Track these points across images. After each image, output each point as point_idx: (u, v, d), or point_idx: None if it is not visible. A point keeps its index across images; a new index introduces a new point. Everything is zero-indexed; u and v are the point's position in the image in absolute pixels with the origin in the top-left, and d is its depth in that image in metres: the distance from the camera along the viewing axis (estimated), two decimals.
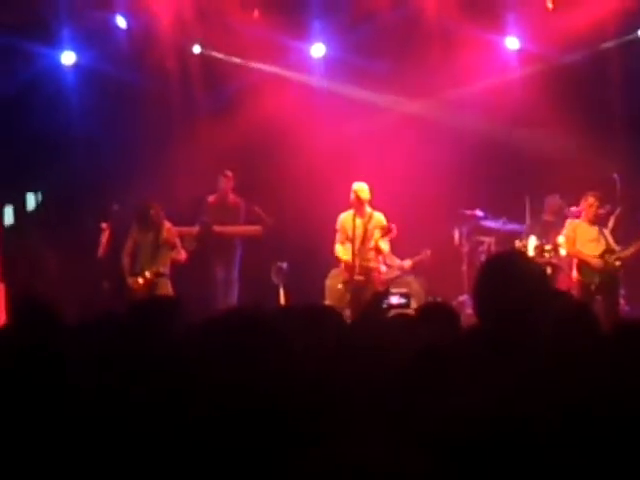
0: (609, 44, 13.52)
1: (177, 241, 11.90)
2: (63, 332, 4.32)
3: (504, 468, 2.54)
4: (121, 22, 13.55)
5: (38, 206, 13.94)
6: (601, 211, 11.67)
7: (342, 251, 11.45)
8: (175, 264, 11.83)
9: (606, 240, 11.59)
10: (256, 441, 2.85)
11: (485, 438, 2.57)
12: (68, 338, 4.05)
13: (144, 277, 11.68)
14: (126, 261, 11.83)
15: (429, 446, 2.48)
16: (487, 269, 3.51)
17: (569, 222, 11.81)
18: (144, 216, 11.82)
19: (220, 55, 13.91)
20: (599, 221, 11.69)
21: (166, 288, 11.70)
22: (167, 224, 11.90)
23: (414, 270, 12.25)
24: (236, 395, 3.00)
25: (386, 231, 11.34)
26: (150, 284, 11.64)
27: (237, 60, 13.81)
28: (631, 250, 11.52)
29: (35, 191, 13.89)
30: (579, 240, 11.66)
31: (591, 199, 11.59)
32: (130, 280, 11.70)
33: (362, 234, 11.34)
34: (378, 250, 11.33)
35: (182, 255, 11.87)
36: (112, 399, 3.16)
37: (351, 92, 13.58)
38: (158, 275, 11.68)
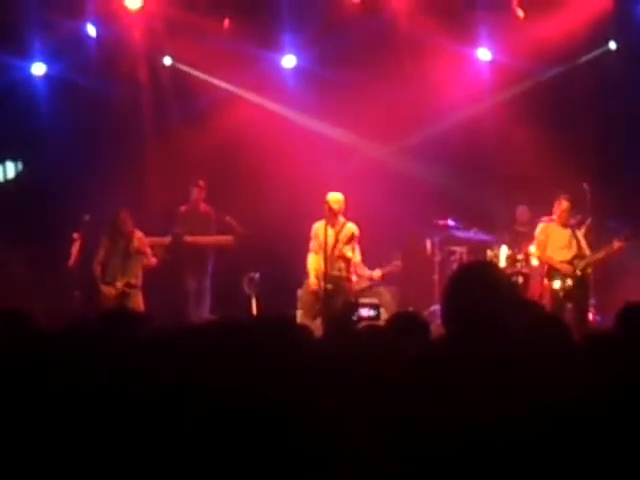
0: (581, 56, 13.62)
1: (148, 250, 11.88)
2: (36, 339, 4.30)
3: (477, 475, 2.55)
4: (91, 31, 13.52)
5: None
6: (573, 221, 11.67)
7: (312, 260, 11.45)
8: (146, 271, 11.82)
9: (578, 244, 11.53)
10: (230, 452, 2.85)
11: (456, 449, 2.58)
12: (41, 345, 4.03)
13: (115, 287, 11.66)
14: (98, 270, 11.80)
15: (408, 458, 2.50)
16: (456, 279, 3.52)
17: (541, 225, 11.72)
18: (114, 225, 11.80)
19: (190, 70, 13.88)
20: (572, 224, 11.62)
21: (137, 300, 11.67)
22: (138, 233, 11.89)
23: (384, 280, 12.24)
24: (211, 403, 3.01)
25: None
26: (121, 294, 11.63)
27: (206, 77, 13.78)
28: (600, 255, 11.52)
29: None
30: (550, 245, 11.60)
31: (565, 203, 11.52)
32: (103, 289, 11.68)
33: (333, 244, 11.33)
34: (345, 259, 11.32)
35: (152, 261, 11.87)
36: (86, 405, 3.15)
37: (323, 103, 13.57)
38: (129, 286, 11.66)
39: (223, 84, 13.84)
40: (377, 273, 11.88)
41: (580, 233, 11.63)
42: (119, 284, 11.64)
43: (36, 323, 4.63)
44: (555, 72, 13.64)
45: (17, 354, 3.62)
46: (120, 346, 3.81)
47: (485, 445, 2.58)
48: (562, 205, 11.55)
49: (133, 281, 11.71)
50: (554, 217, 11.65)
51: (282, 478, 2.76)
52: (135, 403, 3.07)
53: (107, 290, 11.68)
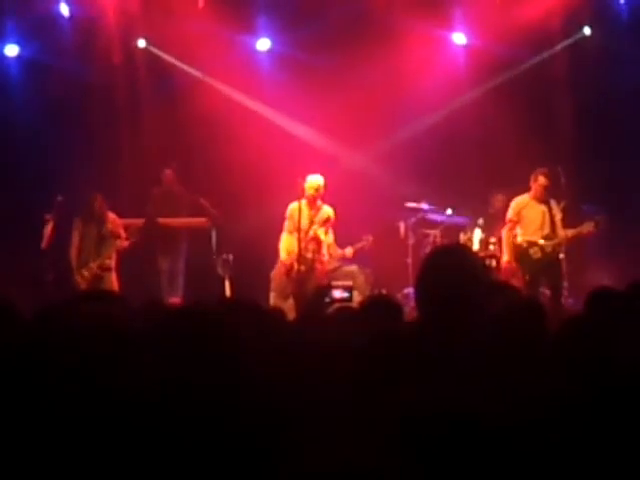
0: (556, 42, 13.67)
1: (121, 232, 11.87)
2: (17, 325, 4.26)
3: (452, 466, 2.55)
4: (64, 10, 13.43)
5: None
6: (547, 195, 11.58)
7: (284, 240, 11.45)
8: (119, 253, 11.82)
9: (552, 222, 11.49)
10: (203, 434, 2.85)
11: (427, 436, 2.58)
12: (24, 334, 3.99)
13: (89, 269, 11.64)
14: (73, 254, 11.79)
15: (376, 445, 2.49)
16: (429, 262, 3.53)
17: (515, 201, 11.63)
18: (87, 208, 11.78)
19: (163, 54, 13.82)
20: (547, 199, 11.53)
21: (111, 281, 11.66)
22: (111, 215, 11.88)
23: (356, 258, 12.24)
24: (179, 390, 3.00)
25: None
26: (94, 277, 11.61)
27: (180, 60, 13.71)
28: (569, 234, 11.50)
29: None
30: (523, 224, 11.52)
31: (541, 178, 11.39)
32: (77, 274, 11.67)
33: (307, 225, 11.35)
34: (318, 241, 11.34)
35: (125, 243, 11.85)
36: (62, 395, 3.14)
37: (298, 86, 13.53)
38: (103, 268, 11.64)
39: (197, 67, 13.76)
40: (349, 250, 11.90)
41: (556, 208, 11.55)
42: (93, 266, 11.64)
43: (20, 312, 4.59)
44: (531, 57, 13.66)
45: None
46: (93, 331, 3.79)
47: (456, 429, 2.58)
48: (539, 180, 11.42)
49: (107, 262, 11.70)
50: (531, 194, 11.57)
51: (259, 464, 2.76)
52: (104, 391, 3.07)
53: (79, 275, 11.66)
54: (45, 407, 3.02)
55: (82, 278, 11.67)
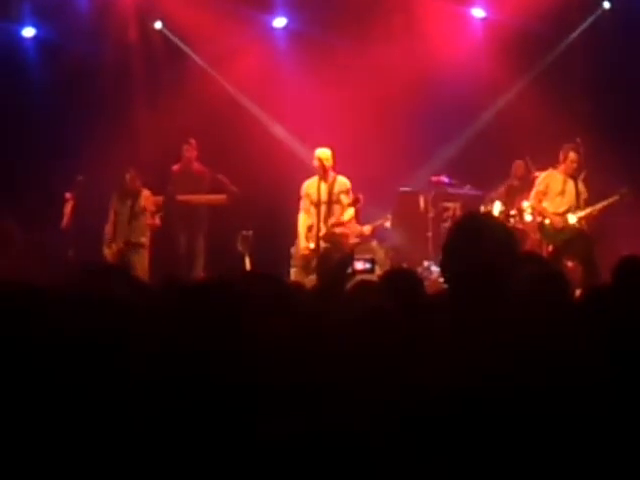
0: (575, 15, 13.56)
1: (152, 208, 12.00)
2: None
3: (474, 440, 2.52)
4: None
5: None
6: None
7: (302, 221, 11.43)
8: (152, 230, 11.99)
9: (577, 193, 11.47)
10: (222, 409, 2.83)
11: (453, 409, 2.55)
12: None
13: (117, 244, 11.79)
14: (107, 230, 11.98)
15: (396, 419, 2.46)
16: (457, 227, 3.47)
17: (543, 174, 11.68)
18: (120, 183, 11.95)
19: (179, 38, 13.80)
20: (575, 175, 11.54)
21: (140, 258, 11.82)
22: (145, 192, 12.00)
23: (375, 235, 12.19)
24: (197, 362, 2.98)
25: (353, 202, 11.33)
26: (120, 252, 11.69)
27: (197, 32, 13.67)
28: (597, 207, 11.48)
29: None
30: (550, 192, 11.56)
31: (572, 154, 11.42)
32: (106, 247, 11.88)
33: (327, 199, 11.32)
34: (342, 206, 11.35)
35: (156, 221, 12.00)
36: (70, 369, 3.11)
37: (314, 63, 13.46)
38: (130, 244, 11.70)
39: (214, 44, 13.71)
40: (367, 228, 11.84)
41: (582, 185, 11.54)
42: (118, 243, 11.76)
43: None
44: (550, 30, 13.54)
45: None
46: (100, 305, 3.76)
47: (484, 403, 2.55)
48: (570, 156, 11.44)
49: (134, 239, 11.81)
50: (559, 168, 11.56)
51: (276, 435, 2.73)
52: (118, 364, 3.05)
53: (109, 247, 11.85)
54: (51, 388, 3.00)
55: (110, 252, 11.81)
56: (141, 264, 11.70)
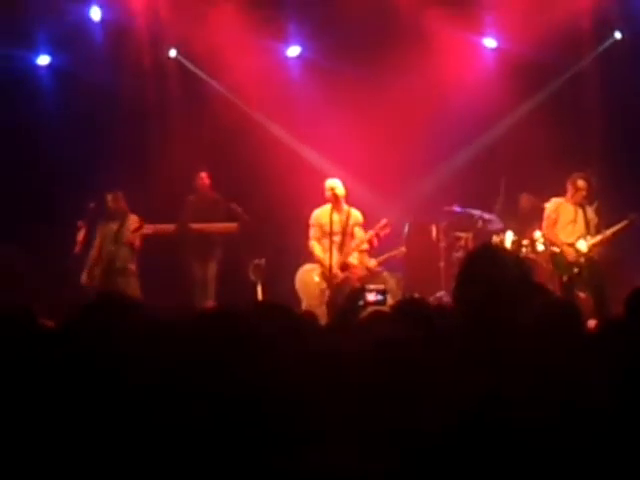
0: (587, 45, 13.59)
1: (137, 236, 11.88)
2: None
3: (485, 470, 2.51)
4: (95, 14, 13.50)
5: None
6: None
7: (317, 249, 11.44)
8: (137, 253, 11.92)
9: (586, 224, 11.47)
10: (231, 441, 2.83)
11: (466, 440, 2.55)
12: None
13: (95, 271, 11.76)
14: (91, 255, 11.92)
15: (398, 454, 2.46)
16: (469, 261, 3.47)
17: (553, 201, 11.69)
18: (104, 206, 11.90)
19: (194, 67, 13.87)
20: (583, 203, 11.56)
21: (131, 287, 11.68)
22: (133, 216, 11.94)
23: (384, 266, 12.19)
24: (210, 396, 2.98)
25: (371, 240, 11.44)
26: (104, 275, 11.66)
27: (207, 76, 13.75)
28: (607, 234, 11.47)
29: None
30: (560, 221, 11.56)
31: (581, 182, 11.46)
32: (87, 273, 11.79)
33: (341, 230, 11.34)
34: (369, 244, 11.39)
35: (137, 241, 11.88)
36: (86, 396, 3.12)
37: (327, 92, 13.51)
38: (114, 270, 11.67)
39: (228, 72, 13.78)
40: (372, 263, 11.84)
41: (591, 212, 11.55)
42: (97, 270, 11.71)
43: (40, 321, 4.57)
44: (562, 60, 13.58)
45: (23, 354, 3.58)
46: (114, 335, 3.76)
47: (490, 432, 2.55)
48: (578, 184, 11.47)
49: (119, 264, 11.74)
50: (567, 197, 11.58)
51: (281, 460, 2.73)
52: (131, 393, 3.05)
53: (85, 277, 11.77)
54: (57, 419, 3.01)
55: (89, 277, 11.74)
56: (130, 291, 11.48)
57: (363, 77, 13.49)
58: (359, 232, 11.44)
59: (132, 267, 11.82)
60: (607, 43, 13.66)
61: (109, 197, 11.93)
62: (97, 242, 11.95)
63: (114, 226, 11.88)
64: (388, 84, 13.33)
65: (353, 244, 11.43)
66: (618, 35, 13.60)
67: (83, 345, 3.31)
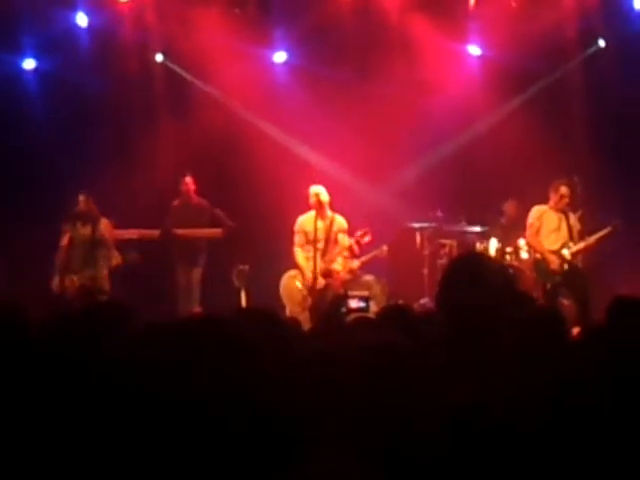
0: (571, 52, 13.63)
1: (112, 242, 11.68)
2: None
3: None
4: (82, 21, 13.50)
5: None
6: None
7: (301, 256, 11.46)
8: (112, 271, 11.62)
9: (569, 229, 11.48)
10: (215, 447, 2.83)
11: (453, 445, 2.56)
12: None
13: (72, 279, 11.45)
14: (58, 258, 11.57)
15: (384, 461, 2.47)
16: (453, 268, 3.49)
17: (536, 208, 11.69)
18: (73, 210, 11.61)
19: (181, 70, 13.87)
20: (565, 210, 11.58)
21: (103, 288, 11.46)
22: (104, 220, 11.69)
23: (371, 268, 12.20)
24: (194, 403, 2.99)
25: (357, 243, 11.43)
26: (82, 291, 11.37)
27: (198, 66, 13.74)
28: (590, 241, 11.48)
29: None
30: (543, 230, 11.59)
31: (563, 188, 11.48)
32: (66, 279, 11.44)
33: (325, 237, 11.35)
34: (350, 252, 11.38)
35: (117, 260, 11.62)
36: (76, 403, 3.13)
37: (314, 99, 13.53)
38: (91, 290, 11.29)
39: (213, 80, 13.78)
40: (355, 264, 11.84)
41: (574, 219, 11.57)
42: (75, 279, 11.44)
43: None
44: (546, 68, 13.63)
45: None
46: (108, 341, 3.78)
47: (476, 439, 2.56)
48: (561, 190, 11.50)
49: (98, 283, 11.42)
50: (550, 204, 11.59)
51: (269, 471, 2.74)
52: (117, 398, 3.06)
53: (70, 279, 11.45)
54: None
55: (71, 283, 11.41)
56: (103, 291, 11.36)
57: (348, 83, 13.52)
58: (343, 239, 11.46)
59: (101, 284, 11.54)
60: (591, 50, 13.69)
61: (81, 198, 11.60)
62: (65, 245, 11.57)
63: (87, 228, 11.57)
64: (373, 90, 13.37)
65: (335, 251, 11.45)
66: (602, 43, 13.64)
67: (70, 350, 3.32)
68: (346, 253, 11.55)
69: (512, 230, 12.47)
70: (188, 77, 13.92)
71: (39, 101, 13.79)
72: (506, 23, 13.26)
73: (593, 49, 13.68)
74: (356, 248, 11.51)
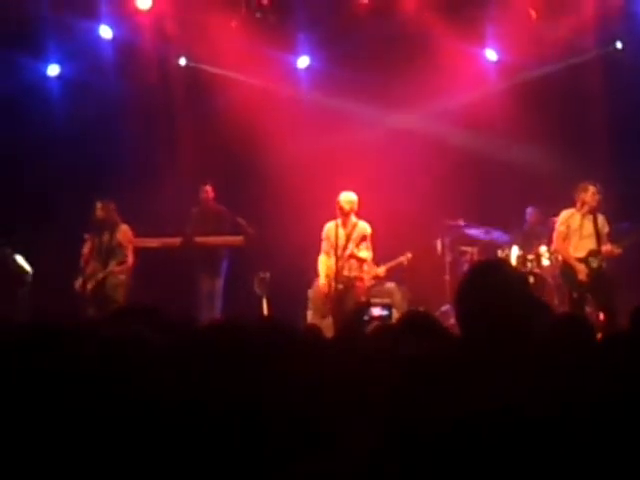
0: (588, 56, 13.58)
1: (130, 246, 11.75)
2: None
3: None
4: (105, 33, 13.58)
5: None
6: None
7: (322, 261, 11.45)
8: (122, 272, 11.69)
9: (597, 235, 11.16)
10: (241, 453, 2.83)
11: (470, 453, 2.55)
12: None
13: (93, 281, 11.57)
14: (82, 266, 11.68)
15: (412, 463, 2.46)
16: (471, 276, 3.47)
17: (563, 214, 11.29)
18: (93, 216, 11.69)
19: (205, 67, 13.91)
20: (594, 212, 11.18)
21: (118, 295, 11.55)
22: (124, 226, 11.76)
23: (391, 275, 12.19)
24: (218, 408, 2.98)
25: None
26: (95, 289, 11.51)
27: (221, 72, 13.78)
28: (613, 249, 11.22)
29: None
30: (571, 233, 11.14)
31: (592, 188, 11.05)
32: (78, 281, 11.59)
33: (344, 244, 11.34)
34: (358, 259, 11.31)
35: (129, 261, 11.71)
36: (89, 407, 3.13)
37: (336, 104, 13.55)
38: (99, 282, 11.49)
39: (237, 83, 13.81)
40: (381, 270, 11.84)
41: (602, 220, 11.22)
42: (90, 284, 11.53)
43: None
44: (563, 70, 13.58)
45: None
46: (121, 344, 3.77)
47: (500, 447, 2.55)
48: (589, 190, 11.06)
49: (100, 276, 11.53)
50: (577, 207, 11.22)
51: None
52: (134, 403, 3.06)
53: (89, 283, 11.57)
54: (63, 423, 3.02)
55: (82, 286, 11.52)
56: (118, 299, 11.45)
57: (368, 87, 13.53)
58: (364, 245, 11.40)
59: (121, 277, 11.70)
60: (608, 49, 13.63)
61: (99, 205, 11.67)
62: (85, 252, 11.70)
63: (104, 237, 11.65)
64: (393, 93, 13.37)
65: (346, 253, 11.35)
66: (619, 45, 13.58)
67: (91, 351, 3.32)
68: (367, 252, 11.47)
69: (534, 237, 12.42)
70: (212, 70, 13.93)
71: (62, 106, 13.86)
72: (523, 28, 13.24)
73: (610, 49, 13.59)
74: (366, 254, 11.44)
